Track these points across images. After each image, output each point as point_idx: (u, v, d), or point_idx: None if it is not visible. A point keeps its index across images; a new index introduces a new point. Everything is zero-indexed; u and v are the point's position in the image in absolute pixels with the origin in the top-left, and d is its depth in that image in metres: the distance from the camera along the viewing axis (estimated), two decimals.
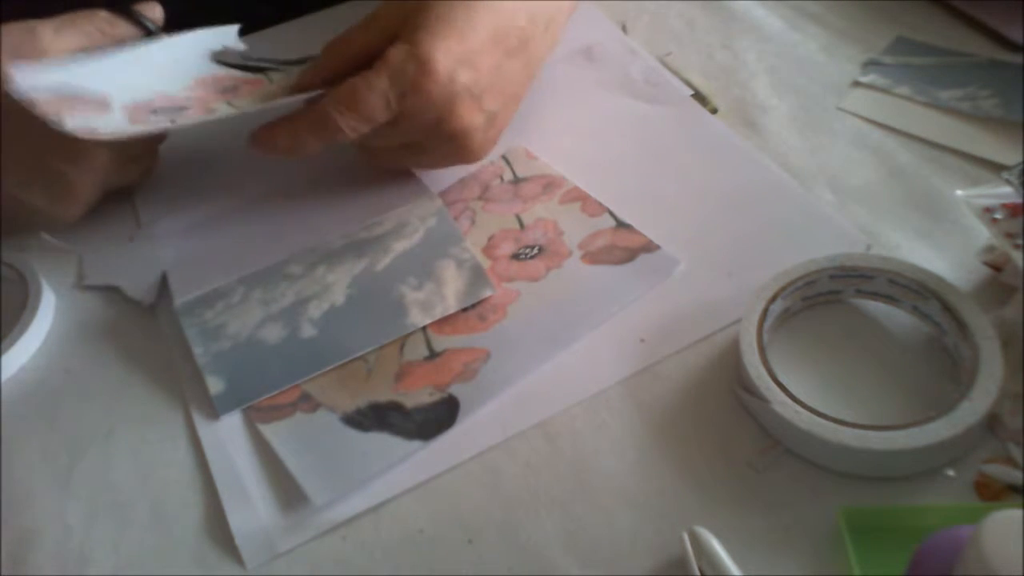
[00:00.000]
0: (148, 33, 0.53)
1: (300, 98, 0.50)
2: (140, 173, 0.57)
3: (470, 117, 0.49)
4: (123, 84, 0.49)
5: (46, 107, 0.45)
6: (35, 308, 0.51)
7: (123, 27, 0.52)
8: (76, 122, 0.45)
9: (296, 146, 0.49)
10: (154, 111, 0.49)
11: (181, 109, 0.49)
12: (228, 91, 0.52)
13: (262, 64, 0.55)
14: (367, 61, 0.48)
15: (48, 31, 0.50)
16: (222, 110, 0.50)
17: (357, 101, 0.47)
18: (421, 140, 0.51)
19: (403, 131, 0.50)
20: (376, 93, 0.47)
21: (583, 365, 0.45)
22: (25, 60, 0.47)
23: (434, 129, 0.49)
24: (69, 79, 0.47)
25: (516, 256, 0.50)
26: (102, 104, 0.48)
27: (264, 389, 0.45)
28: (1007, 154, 0.49)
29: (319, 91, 0.49)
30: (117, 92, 0.49)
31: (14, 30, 0.49)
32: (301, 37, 0.63)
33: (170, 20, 0.55)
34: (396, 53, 0.47)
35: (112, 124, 0.47)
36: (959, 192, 0.46)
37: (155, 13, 0.54)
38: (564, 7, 0.57)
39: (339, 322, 0.48)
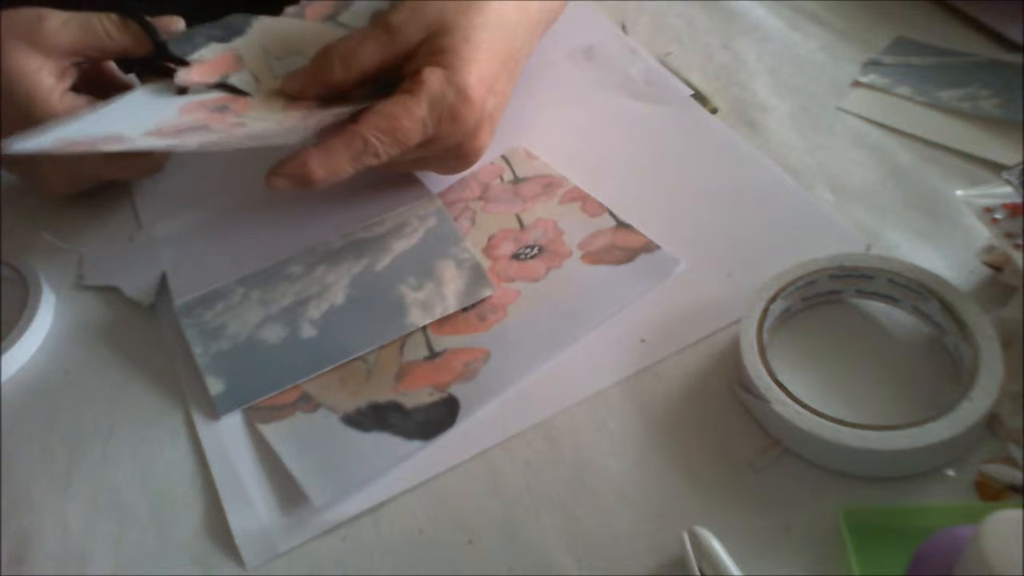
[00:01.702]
0: (155, 41, 0.52)
1: (343, 112, 0.48)
2: (147, 168, 0.56)
3: (486, 139, 0.51)
4: (125, 125, 0.48)
5: (65, 148, 0.44)
6: (35, 308, 0.51)
7: (131, 32, 0.51)
8: (113, 146, 0.44)
9: (332, 175, 0.47)
10: (179, 132, 0.47)
11: (204, 127, 0.48)
12: (222, 111, 0.50)
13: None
14: (377, 74, 0.49)
15: (56, 20, 0.50)
16: (253, 124, 0.48)
17: (396, 128, 0.46)
18: (432, 155, 0.51)
19: (424, 150, 0.49)
20: (416, 120, 0.46)
21: (583, 365, 0.45)
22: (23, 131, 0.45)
23: (452, 148, 0.50)
24: (70, 133, 0.46)
25: (516, 256, 0.50)
26: (119, 139, 0.46)
27: (264, 389, 0.45)
28: (1007, 154, 0.49)
29: (348, 109, 0.48)
30: (126, 130, 0.47)
31: (24, 14, 0.50)
32: None
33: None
34: (434, 79, 0.46)
35: (148, 143, 0.46)
36: (959, 192, 0.46)
37: (177, 26, 0.53)
38: (545, 22, 0.58)
39: (339, 322, 0.48)
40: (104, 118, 0.48)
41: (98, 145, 0.45)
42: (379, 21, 0.49)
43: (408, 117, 0.46)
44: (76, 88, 0.52)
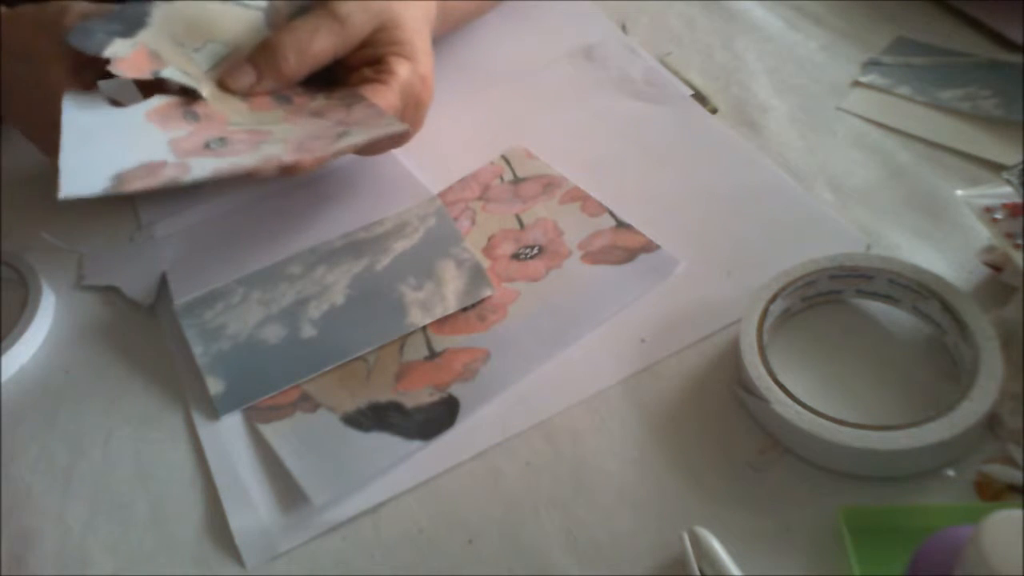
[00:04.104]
0: None
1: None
2: None
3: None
4: (139, 145, 0.45)
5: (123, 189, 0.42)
6: (35, 308, 0.51)
7: None
8: (195, 172, 0.43)
9: (316, 161, 0.47)
10: (206, 144, 0.46)
11: (222, 139, 0.46)
12: (194, 119, 0.48)
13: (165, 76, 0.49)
14: (328, 63, 0.50)
15: (76, 14, 0.49)
16: (278, 133, 0.47)
17: None
18: None
19: None
20: (391, 107, 0.48)
21: (583, 365, 0.45)
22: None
23: (402, 133, 0.50)
24: (117, 158, 0.44)
25: (516, 256, 0.50)
26: (160, 166, 0.44)
27: (264, 389, 0.45)
28: (1007, 154, 0.49)
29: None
30: (155, 153, 0.45)
31: (52, 8, 0.50)
32: None
33: None
34: (403, 69, 0.49)
35: (204, 168, 0.44)
36: (959, 192, 0.46)
37: None
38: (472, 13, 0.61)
39: (339, 322, 0.48)
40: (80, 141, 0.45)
41: (155, 178, 0.43)
42: (325, 11, 0.49)
43: (387, 106, 0.48)
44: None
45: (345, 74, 0.51)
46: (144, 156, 0.44)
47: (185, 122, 0.47)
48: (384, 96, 0.48)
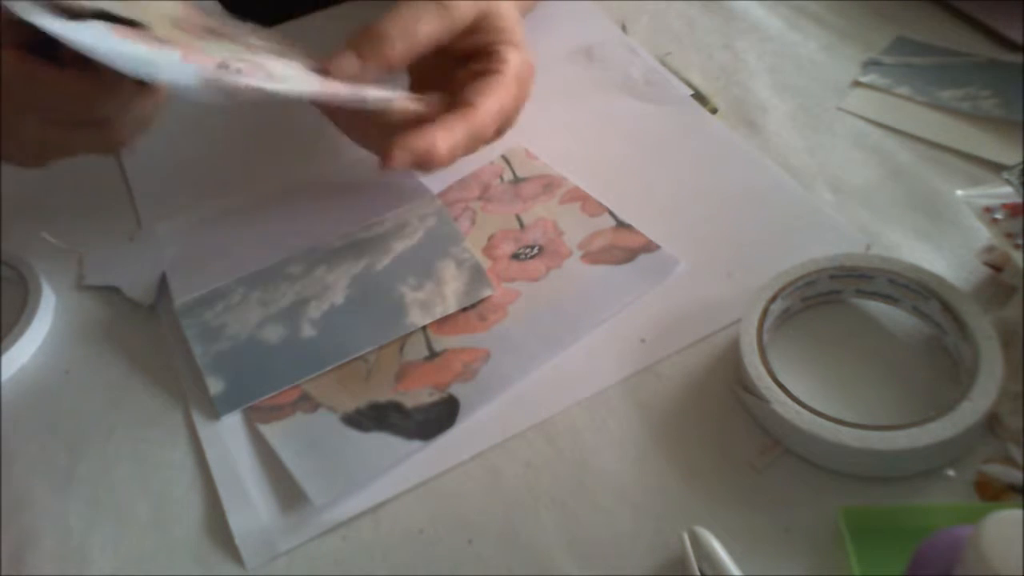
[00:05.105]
0: None
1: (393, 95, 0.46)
2: (115, 140, 0.47)
3: None
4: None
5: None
6: (35, 308, 0.51)
7: None
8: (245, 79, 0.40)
9: (452, 158, 0.46)
10: (220, 65, 0.41)
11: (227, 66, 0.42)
12: (214, 32, 0.45)
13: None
14: (429, 51, 0.48)
15: None
16: (280, 71, 0.43)
17: (503, 109, 0.48)
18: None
19: None
20: (512, 97, 0.48)
21: (583, 365, 0.45)
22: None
23: (510, 122, 0.51)
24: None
25: (516, 256, 0.50)
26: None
27: (264, 389, 0.45)
28: (1007, 154, 0.49)
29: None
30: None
31: None
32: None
33: None
34: (515, 57, 0.49)
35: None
36: (959, 192, 0.46)
37: None
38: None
39: (339, 322, 0.48)
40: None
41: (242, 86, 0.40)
42: None
43: (508, 97, 0.48)
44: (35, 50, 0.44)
45: (452, 67, 0.50)
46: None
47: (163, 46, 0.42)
48: (503, 86, 0.47)
